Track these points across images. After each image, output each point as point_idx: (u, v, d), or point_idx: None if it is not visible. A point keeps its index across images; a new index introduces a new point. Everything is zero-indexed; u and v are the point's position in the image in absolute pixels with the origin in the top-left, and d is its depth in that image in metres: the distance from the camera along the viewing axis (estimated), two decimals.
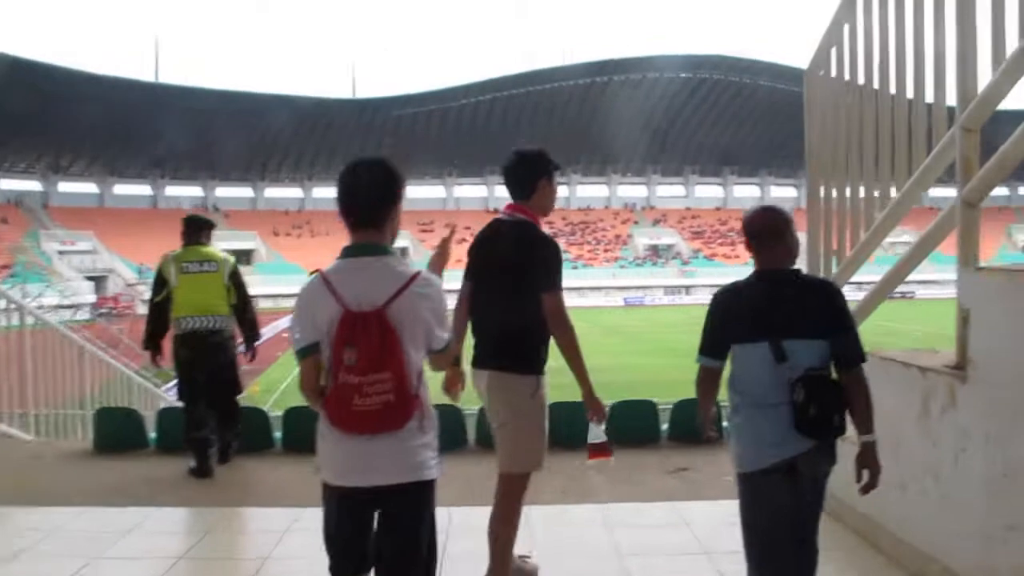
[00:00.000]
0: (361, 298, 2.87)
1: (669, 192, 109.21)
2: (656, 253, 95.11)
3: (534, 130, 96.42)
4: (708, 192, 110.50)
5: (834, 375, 3.21)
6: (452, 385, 4.02)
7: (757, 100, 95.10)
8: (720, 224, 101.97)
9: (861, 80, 4.36)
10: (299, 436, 6.98)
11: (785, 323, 3.14)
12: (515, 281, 3.86)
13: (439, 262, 3.69)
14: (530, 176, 4.06)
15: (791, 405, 3.08)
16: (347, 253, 3.03)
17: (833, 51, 4.66)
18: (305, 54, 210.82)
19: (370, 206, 3.03)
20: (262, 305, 73.18)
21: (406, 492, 2.98)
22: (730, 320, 3.27)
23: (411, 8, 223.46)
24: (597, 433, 3.90)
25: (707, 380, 3.36)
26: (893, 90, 4.06)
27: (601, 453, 3.91)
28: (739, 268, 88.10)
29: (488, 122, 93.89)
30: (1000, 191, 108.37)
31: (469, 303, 4.11)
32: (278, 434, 7.48)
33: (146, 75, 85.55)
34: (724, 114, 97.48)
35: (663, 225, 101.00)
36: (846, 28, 4.52)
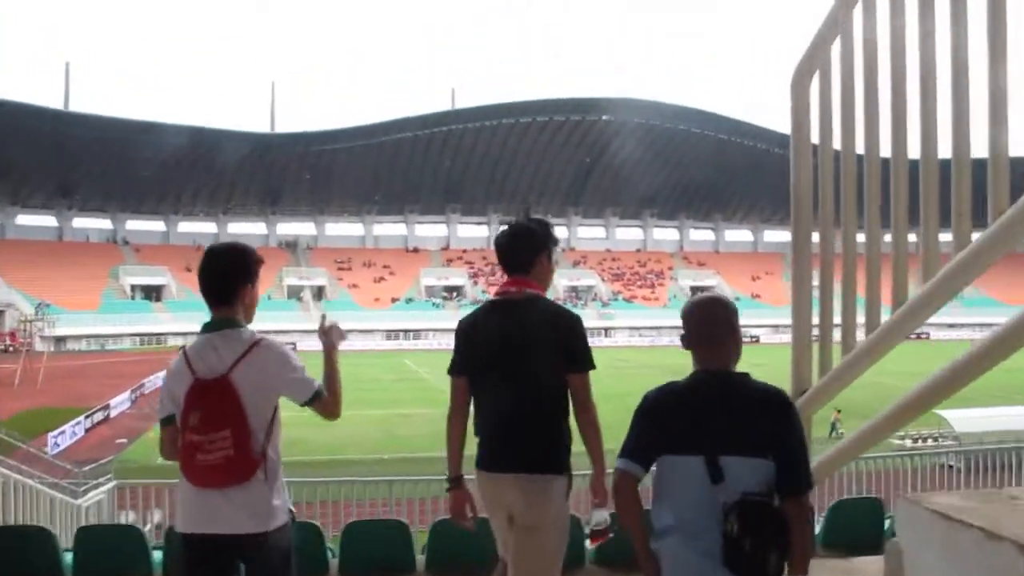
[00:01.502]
0: (211, 367, 3.27)
1: (589, 234, 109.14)
2: (576, 295, 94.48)
3: (454, 169, 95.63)
4: (628, 234, 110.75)
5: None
6: (458, 509, 3.72)
7: (677, 144, 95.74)
8: (640, 266, 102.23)
9: (885, 83, 2.98)
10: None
11: (725, 435, 2.73)
12: (538, 364, 3.49)
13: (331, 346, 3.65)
14: (529, 250, 3.78)
15: (722, 535, 2.64)
16: (204, 328, 3.43)
17: (837, 43, 3.30)
18: (224, 85, 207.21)
19: (221, 288, 3.42)
20: (171, 343, 71.04)
21: (258, 541, 3.24)
22: (662, 425, 2.84)
23: (333, 41, 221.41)
24: (602, 518, 3.61)
25: (626, 489, 2.86)
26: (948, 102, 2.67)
27: (603, 536, 3.63)
28: (657, 311, 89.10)
29: (409, 160, 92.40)
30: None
31: (465, 400, 3.71)
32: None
33: (55, 102, 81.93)
34: (644, 157, 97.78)
35: (583, 267, 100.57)
36: (859, 6, 3.16)
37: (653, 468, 2.88)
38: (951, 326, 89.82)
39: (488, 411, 3.65)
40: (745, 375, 2.88)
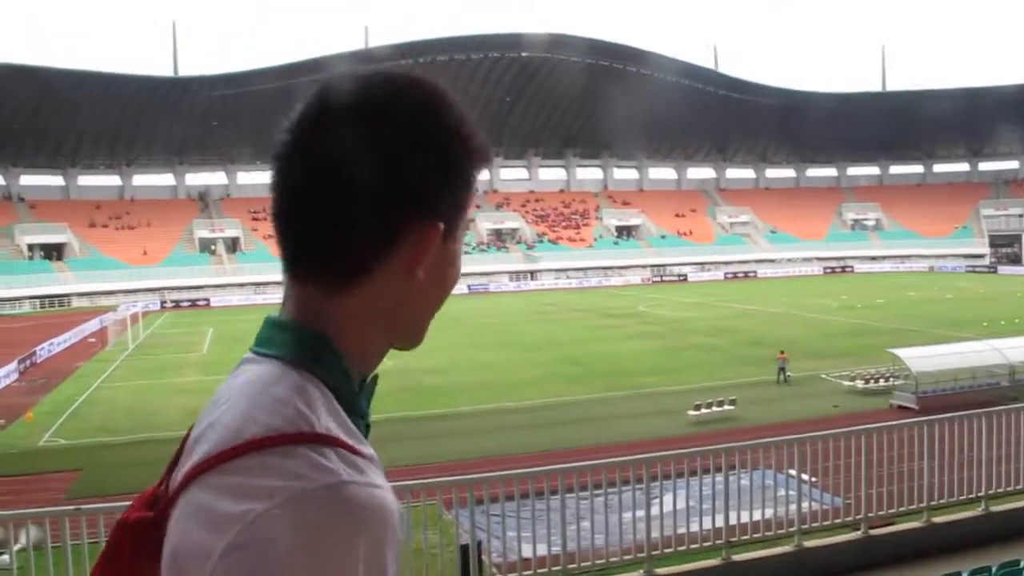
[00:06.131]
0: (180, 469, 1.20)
1: (512, 175, 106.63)
2: (499, 238, 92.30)
3: None
4: (551, 175, 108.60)
5: None
6: None
7: (599, 80, 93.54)
8: (564, 207, 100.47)
9: None
10: None
11: None
12: None
13: None
14: None
15: None
16: None
17: None
18: (121, 27, 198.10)
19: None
20: (75, 304, 66.97)
21: None
22: None
23: None
24: None
25: None
26: None
27: None
28: (583, 251, 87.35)
29: None
30: (830, 171, 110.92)
31: None
32: None
33: None
34: (566, 94, 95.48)
35: (506, 209, 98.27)
36: None
37: None
38: (873, 259, 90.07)
39: None
40: None
